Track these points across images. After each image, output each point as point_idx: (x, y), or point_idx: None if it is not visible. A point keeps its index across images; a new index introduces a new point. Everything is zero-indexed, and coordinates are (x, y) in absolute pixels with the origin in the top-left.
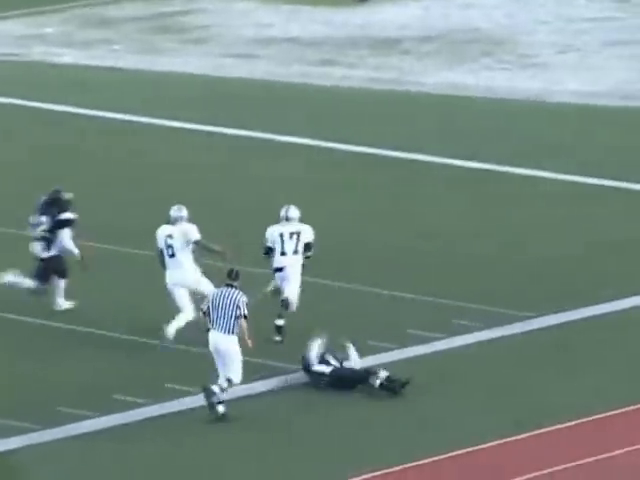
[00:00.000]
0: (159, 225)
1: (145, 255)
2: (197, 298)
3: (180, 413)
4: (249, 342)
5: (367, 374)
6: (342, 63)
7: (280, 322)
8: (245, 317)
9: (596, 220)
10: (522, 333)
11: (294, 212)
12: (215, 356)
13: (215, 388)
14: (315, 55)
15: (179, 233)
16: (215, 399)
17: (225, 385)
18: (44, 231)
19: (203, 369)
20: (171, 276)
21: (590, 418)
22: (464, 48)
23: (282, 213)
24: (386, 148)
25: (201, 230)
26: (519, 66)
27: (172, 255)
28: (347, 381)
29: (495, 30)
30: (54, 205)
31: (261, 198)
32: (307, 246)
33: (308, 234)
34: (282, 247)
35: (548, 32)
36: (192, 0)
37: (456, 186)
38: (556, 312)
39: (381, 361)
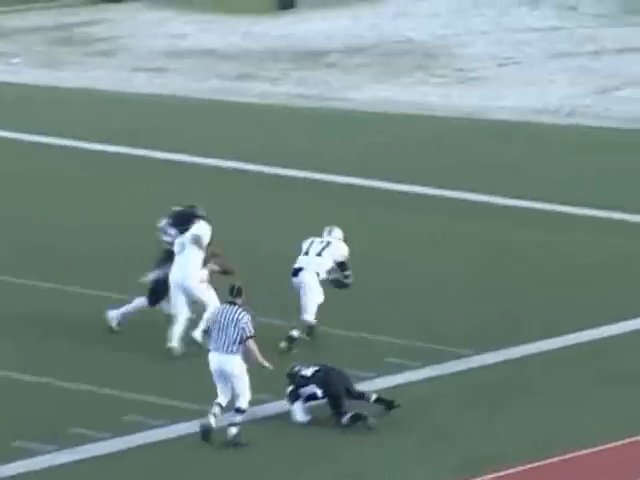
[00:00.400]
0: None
1: None
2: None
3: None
4: (264, 363)
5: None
6: (262, 78)
7: (295, 333)
8: (253, 337)
9: (532, 249)
10: (460, 372)
11: (337, 232)
12: (217, 379)
13: (212, 421)
14: (233, 69)
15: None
16: (210, 429)
17: (238, 419)
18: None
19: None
20: (175, 273)
21: (531, 465)
22: (396, 61)
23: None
24: (314, 170)
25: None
26: (456, 80)
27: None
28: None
29: (430, 41)
30: (186, 221)
31: None
32: (341, 266)
33: (340, 250)
34: (307, 248)
35: (487, 43)
36: (99, 10)
37: (388, 211)
38: (496, 349)
39: (309, 403)
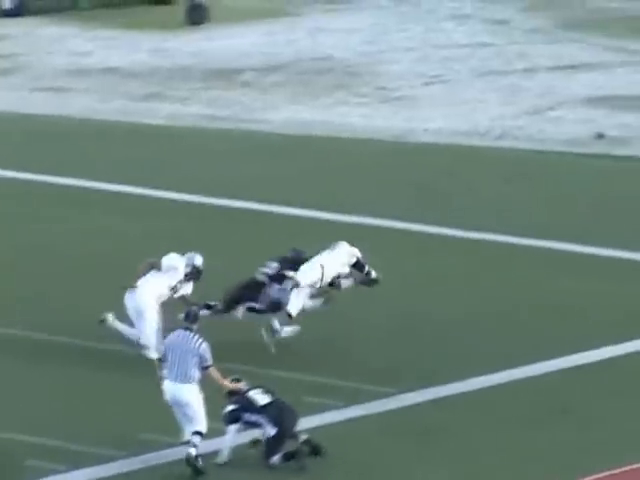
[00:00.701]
0: None
1: None
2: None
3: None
4: (229, 386)
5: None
6: (171, 98)
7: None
8: (211, 365)
9: (460, 283)
10: (382, 412)
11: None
12: (175, 409)
13: (193, 451)
14: (139, 88)
15: None
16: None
17: (197, 440)
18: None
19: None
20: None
21: None
22: (315, 80)
23: None
24: (224, 196)
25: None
26: (379, 100)
27: None
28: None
29: (350, 59)
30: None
31: (85, 251)
32: (357, 266)
33: (346, 254)
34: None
35: (412, 61)
36: None
37: (309, 240)
38: (422, 388)
39: (224, 443)
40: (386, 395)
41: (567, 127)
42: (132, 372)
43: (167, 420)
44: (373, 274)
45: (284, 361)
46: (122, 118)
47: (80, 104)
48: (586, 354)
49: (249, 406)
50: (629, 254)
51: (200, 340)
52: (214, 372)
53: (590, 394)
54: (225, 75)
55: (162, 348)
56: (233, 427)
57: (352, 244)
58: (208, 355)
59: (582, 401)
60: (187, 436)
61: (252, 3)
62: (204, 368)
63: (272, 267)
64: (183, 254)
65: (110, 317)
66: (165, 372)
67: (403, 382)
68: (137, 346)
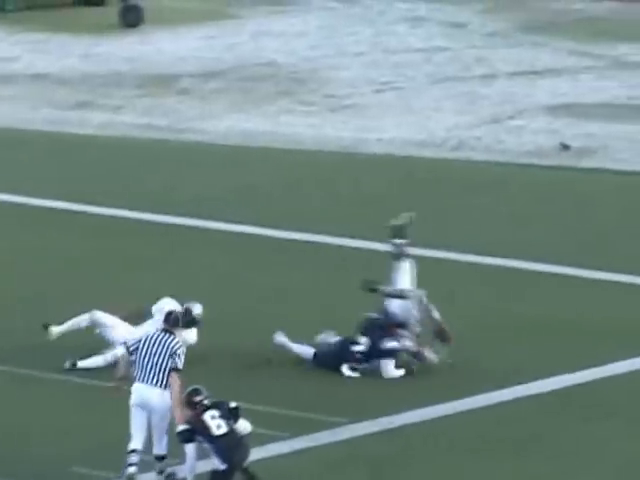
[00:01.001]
0: None
1: None
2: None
3: None
4: (176, 408)
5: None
6: (104, 106)
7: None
8: (178, 370)
9: None
10: (331, 443)
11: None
12: (137, 413)
13: (133, 470)
14: (69, 96)
15: None
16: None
17: (162, 466)
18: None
19: None
20: None
21: None
22: (258, 87)
23: None
24: (160, 212)
25: None
26: (327, 109)
27: None
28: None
29: (296, 64)
30: None
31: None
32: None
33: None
34: None
35: (362, 66)
36: None
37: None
38: (374, 417)
39: (187, 463)
40: (336, 425)
41: (529, 137)
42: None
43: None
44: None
45: (225, 390)
46: (50, 128)
47: (5, 112)
48: (551, 380)
49: (202, 431)
50: (598, 274)
51: (178, 342)
52: (175, 379)
53: (560, 421)
54: (161, 81)
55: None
56: (191, 446)
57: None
58: (179, 358)
59: (549, 429)
60: (133, 445)
61: (191, 4)
62: (170, 370)
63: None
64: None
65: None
66: (137, 373)
67: (354, 411)
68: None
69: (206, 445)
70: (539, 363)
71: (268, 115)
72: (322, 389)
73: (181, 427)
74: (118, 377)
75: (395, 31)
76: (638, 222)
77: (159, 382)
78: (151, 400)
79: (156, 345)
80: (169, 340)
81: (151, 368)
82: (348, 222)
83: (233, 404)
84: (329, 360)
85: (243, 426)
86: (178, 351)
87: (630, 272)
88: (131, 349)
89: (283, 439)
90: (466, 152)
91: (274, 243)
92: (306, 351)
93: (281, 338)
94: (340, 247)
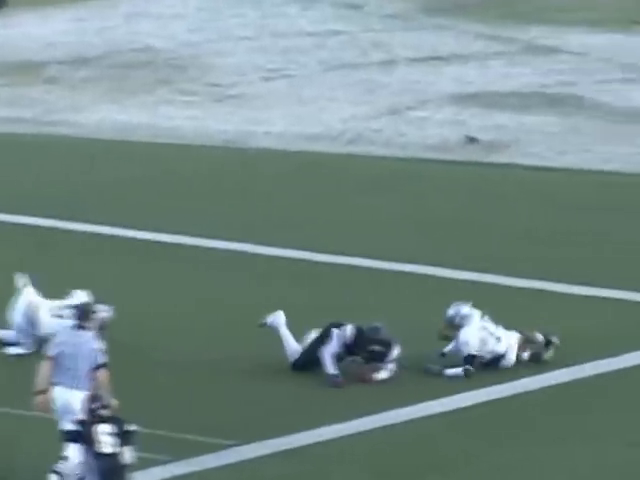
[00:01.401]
0: None
1: None
2: None
3: None
4: (112, 401)
5: None
6: None
7: None
8: (105, 366)
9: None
10: (217, 467)
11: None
12: (65, 418)
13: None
14: None
15: None
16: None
17: (63, 467)
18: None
19: None
20: None
21: None
22: (133, 75)
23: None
24: (19, 212)
25: None
26: (210, 99)
27: None
28: None
29: (174, 50)
30: None
31: None
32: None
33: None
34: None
35: (249, 52)
36: None
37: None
38: (262, 439)
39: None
40: (222, 447)
41: (432, 130)
42: None
43: None
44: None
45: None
46: None
47: None
48: (461, 396)
49: (89, 441)
50: (501, 279)
51: (95, 339)
52: (104, 375)
53: (469, 444)
54: (26, 69)
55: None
56: (75, 446)
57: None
58: (101, 355)
59: (457, 452)
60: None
61: None
62: (95, 368)
63: None
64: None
65: None
66: (57, 377)
67: (244, 433)
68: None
69: (88, 456)
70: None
71: (145, 106)
72: (208, 409)
73: (71, 427)
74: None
75: (285, 13)
76: (547, 223)
77: (79, 384)
78: (74, 404)
79: (74, 344)
80: (86, 338)
81: (71, 370)
82: (223, 223)
83: (132, 427)
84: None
85: (128, 455)
86: (96, 347)
87: (541, 278)
88: (52, 356)
89: (164, 463)
90: (364, 146)
91: (137, 244)
92: (293, 351)
93: (279, 321)
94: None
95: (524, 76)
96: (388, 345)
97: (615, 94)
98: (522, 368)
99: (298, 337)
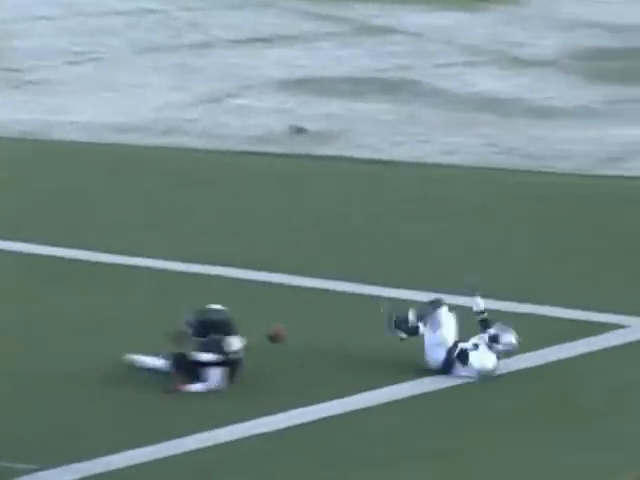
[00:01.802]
0: None
1: None
2: None
3: None
4: None
5: None
6: None
7: None
8: None
9: None
10: None
11: None
12: None
13: None
14: None
15: None
16: None
17: None
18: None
19: None
20: None
21: None
22: None
23: None
24: None
25: None
26: (6, 85)
27: None
28: None
29: None
30: None
31: None
32: None
33: None
34: None
35: (51, 33)
36: None
37: None
38: (68, 463)
39: None
40: (23, 473)
41: (255, 119)
42: None
43: None
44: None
45: None
46: None
47: None
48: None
49: None
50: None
51: None
52: None
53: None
54: None
55: None
56: None
57: None
58: None
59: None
60: None
61: None
62: None
63: None
64: None
65: None
66: None
67: (49, 457)
68: None
69: None
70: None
71: None
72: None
73: None
74: None
75: None
76: (383, 224)
77: None
78: None
79: None
80: None
81: None
82: (41, 226)
83: None
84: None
85: None
86: None
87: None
88: None
89: None
90: (179, 137)
91: None
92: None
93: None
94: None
95: (356, 59)
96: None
97: (456, 79)
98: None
99: None
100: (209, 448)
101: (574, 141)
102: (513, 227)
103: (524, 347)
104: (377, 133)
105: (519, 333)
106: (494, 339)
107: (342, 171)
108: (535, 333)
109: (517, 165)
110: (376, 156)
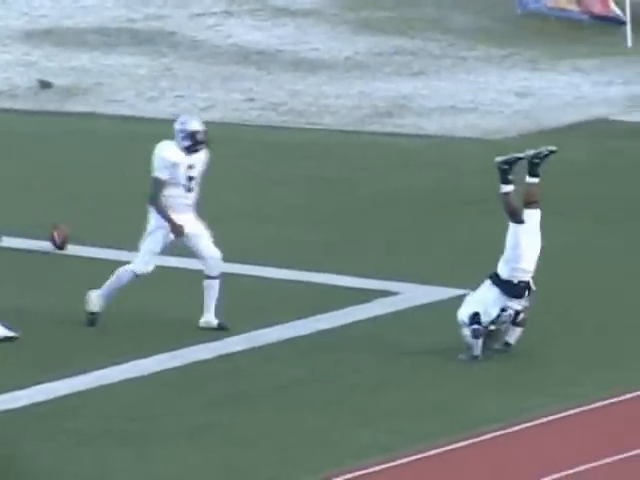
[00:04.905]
0: None
1: None
2: None
3: None
4: None
5: None
6: None
7: None
8: None
9: None
10: None
11: None
12: None
13: None
14: None
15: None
16: None
17: None
18: None
19: None
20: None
21: None
22: None
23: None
24: None
25: None
26: None
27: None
28: None
29: None
30: None
31: None
32: None
33: None
34: None
35: None
36: None
37: None
38: None
39: None
40: None
41: None
42: None
43: None
44: None
45: None
46: None
47: None
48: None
49: None
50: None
51: None
52: None
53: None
54: None
55: None
56: None
57: None
58: None
59: None
60: None
61: None
62: None
63: None
64: None
65: None
66: None
67: None
68: None
69: None
70: None
71: None
72: None
73: None
74: None
75: None
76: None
77: None
78: None
79: None
80: None
81: None
82: None
83: None
84: None
85: None
86: None
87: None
88: None
89: None
90: None
91: None
92: None
93: None
94: None
95: (106, 9)
96: None
97: (214, 30)
98: None
99: None
100: None
101: (340, 96)
102: (271, 189)
103: (291, 315)
104: (130, 88)
105: (286, 302)
106: None
107: (93, 129)
108: (300, 301)
109: (279, 122)
110: (130, 112)
